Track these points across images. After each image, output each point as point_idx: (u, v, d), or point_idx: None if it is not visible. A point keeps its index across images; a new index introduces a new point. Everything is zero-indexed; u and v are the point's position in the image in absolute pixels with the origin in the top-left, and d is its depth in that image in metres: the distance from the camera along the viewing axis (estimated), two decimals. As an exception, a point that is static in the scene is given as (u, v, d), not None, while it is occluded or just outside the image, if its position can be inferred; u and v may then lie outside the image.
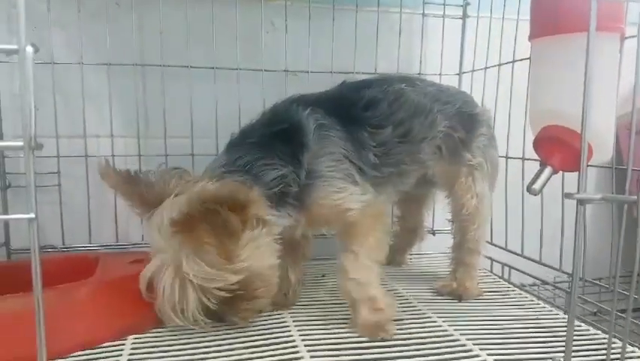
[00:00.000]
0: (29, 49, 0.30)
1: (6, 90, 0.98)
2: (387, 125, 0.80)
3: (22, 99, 0.30)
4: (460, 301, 0.88)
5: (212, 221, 0.63)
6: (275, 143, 0.73)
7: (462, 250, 0.93)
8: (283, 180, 0.71)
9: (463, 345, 0.70)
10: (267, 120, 0.78)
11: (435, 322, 0.78)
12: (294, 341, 0.71)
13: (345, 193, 0.74)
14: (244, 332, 0.73)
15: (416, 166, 0.87)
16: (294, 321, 0.78)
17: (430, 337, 0.73)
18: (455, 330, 0.75)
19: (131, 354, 0.67)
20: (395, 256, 1.10)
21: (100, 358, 0.66)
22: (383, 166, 0.80)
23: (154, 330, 0.73)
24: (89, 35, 0.99)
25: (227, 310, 0.70)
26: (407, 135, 0.82)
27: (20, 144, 0.31)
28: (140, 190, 0.71)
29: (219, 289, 0.66)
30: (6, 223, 0.99)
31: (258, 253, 0.68)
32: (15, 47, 0.31)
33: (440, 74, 1.15)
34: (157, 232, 0.67)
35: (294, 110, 0.76)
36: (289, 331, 0.74)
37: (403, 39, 1.14)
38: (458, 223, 0.94)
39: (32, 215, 0.32)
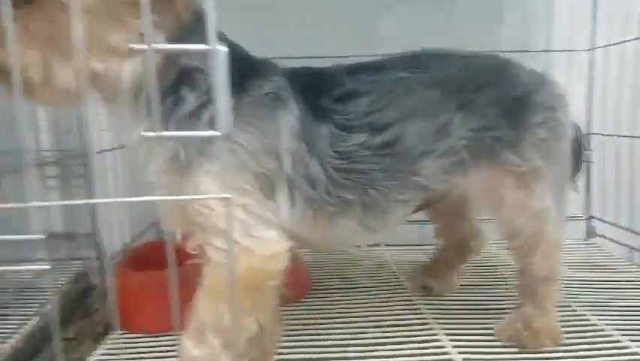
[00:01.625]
0: (223, 49, 0.34)
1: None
2: (361, 131, 0.56)
3: (216, 96, 0.33)
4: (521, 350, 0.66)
5: None
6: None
7: (525, 277, 0.68)
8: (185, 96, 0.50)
9: (609, 335, 0.67)
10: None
11: (575, 311, 0.75)
12: (427, 322, 0.72)
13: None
14: (372, 311, 0.77)
15: (406, 194, 0.60)
16: (425, 305, 0.79)
17: (572, 326, 0.70)
18: (599, 320, 0.72)
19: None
20: (435, 280, 0.83)
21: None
22: (339, 188, 0.56)
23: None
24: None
25: None
26: (392, 146, 0.57)
27: (217, 133, 0.34)
28: None
29: None
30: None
31: None
32: (207, 47, 0.34)
33: (569, 50, 1.08)
34: None
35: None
36: (423, 316, 0.75)
37: (528, 13, 1.08)
38: (515, 252, 0.69)
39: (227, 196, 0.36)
